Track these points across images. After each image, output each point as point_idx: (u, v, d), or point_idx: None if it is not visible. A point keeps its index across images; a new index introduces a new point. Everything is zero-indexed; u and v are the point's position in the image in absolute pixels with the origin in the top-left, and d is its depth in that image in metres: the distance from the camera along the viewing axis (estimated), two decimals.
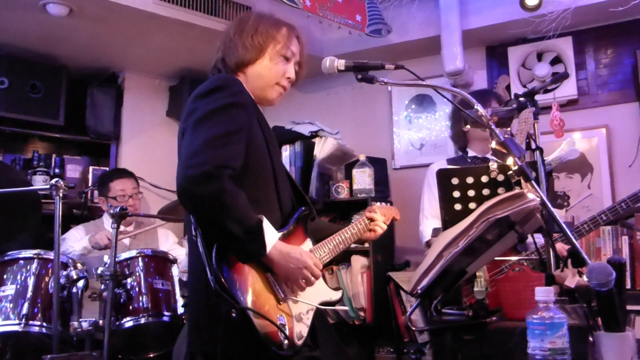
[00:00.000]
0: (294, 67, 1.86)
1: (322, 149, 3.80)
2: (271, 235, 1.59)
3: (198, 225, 1.59)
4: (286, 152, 3.87)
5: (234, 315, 1.49)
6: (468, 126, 2.75)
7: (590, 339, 1.26)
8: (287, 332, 1.57)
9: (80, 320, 2.41)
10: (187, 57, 4.00)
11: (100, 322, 2.39)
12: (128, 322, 2.54)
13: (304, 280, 1.65)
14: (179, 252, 3.23)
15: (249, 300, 1.54)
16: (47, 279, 2.54)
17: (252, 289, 1.57)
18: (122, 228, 3.28)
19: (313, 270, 1.66)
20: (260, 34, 1.79)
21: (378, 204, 2.21)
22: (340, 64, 1.71)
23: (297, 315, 1.65)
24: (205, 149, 1.52)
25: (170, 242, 3.46)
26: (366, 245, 3.59)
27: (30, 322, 2.42)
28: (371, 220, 2.07)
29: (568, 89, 3.61)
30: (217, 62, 1.85)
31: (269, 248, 1.57)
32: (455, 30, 3.60)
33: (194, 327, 1.70)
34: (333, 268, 3.69)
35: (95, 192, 4.00)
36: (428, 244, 2.86)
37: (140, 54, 4.01)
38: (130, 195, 3.36)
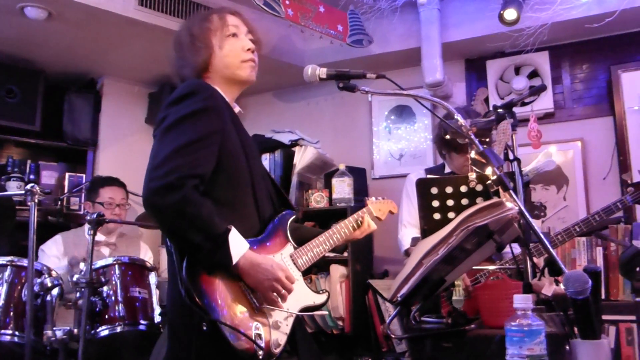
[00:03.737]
0: (246, 37, 1.85)
1: (302, 157, 3.80)
2: (239, 245, 1.57)
3: (166, 236, 1.59)
4: (266, 160, 3.86)
5: (205, 328, 1.48)
6: (448, 136, 2.78)
7: (567, 346, 1.28)
8: (261, 343, 1.54)
9: (54, 329, 2.35)
10: (167, 64, 3.92)
11: (75, 331, 2.35)
12: (104, 331, 2.49)
13: (274, 293, 1.62)
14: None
15: (220, 312, 1.52)
16: (20, 286, 2.48)
17: (224, 299, 1.55)
18: (104, 238, 3.25)
19: (284, 283, 1.63)
20: (197, 36, 1.80)
21: (373, 198, 2.16)
22: (322, 72, 1.71)
23: (274, 323, 1.62)
24: (170, 159, 1.52)
25: (147, 257, 3.41)
26: (345, 254, 3.59)
27: (2, 331, 2.37)
28: (360, 223, 2.04)
29: (545, 102, 3.68)
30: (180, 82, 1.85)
31: (235, 258, 1.55)
32: (435, 42, 3.65)
33: (172, 337, 1.69)
34: (312, 277, 3.69)
35: (72, 199, 3.94)
36: (407, 253, 2.87)
37: (120, 60, 3.98)
38: (118, 204, 3.31)
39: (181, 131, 1.58)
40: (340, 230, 1.97)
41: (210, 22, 1.81)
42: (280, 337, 1.62)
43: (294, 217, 1.85)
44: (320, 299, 1.79)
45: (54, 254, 3.15)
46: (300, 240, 1.84)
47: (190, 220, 1.50)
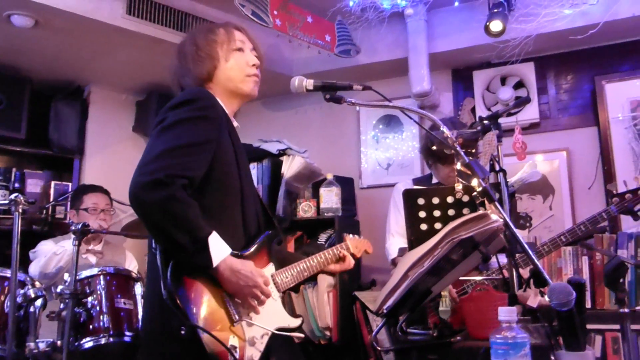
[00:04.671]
0: (251, 53, 1.88)
1: (290, 167, 3.80)
2: (220, 250, 1.57)
3: (149, 232, 1.59)
4: (254, 169, 3.85)
5: (183, 332, 1.48)
6: (434, 147, 2.79)
7: (552, 357, 1.28)
8: (236, 355, 1.54)
9: (37, 340, 2.32)
10: (155, 73, 3.96)
11: (59, 342, 2.31)
12: (88, 343, 2.45)
13: (254, 299, 1.63)
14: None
15: (200, 319, 1.52)
16: (2, 297, 2.45)
17: (205, 307, 1.55)
18: (90, 246, 3.23)
19: (263, 289, 1.64)
20: (203, 47, 1.82)
21: (351, 236, 2.16)
22: (309, 83, 1.72)
23: (250, 339, 1.62)
24: (162, 157, 1.53)
25: (132, 266, 3.39)
26: None
27: None
28: (340, 258, 2.04)
29: (530, 113, 3.71)
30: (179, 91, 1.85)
31: (216, 261, 1.55)
32: (423, 53, 3.68)
33: (146, 343, 1.68)
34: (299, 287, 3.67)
35: (57, 208, 3.91)
36: (394, 262, 2.88)
37: (108, 68, 3.96)
38: (103, 210, 3.30)
39: (177, 133, 1.59)
40: (320, 261, 1.96)
41: (217, 34, 1.84)
42: (254, 354, 1.62)
43: (277, 238, 1.86)
44: (294, 322, 1.79)
45: (49, 246, 3.13)
46: (281, 263, 1.85)
47: (174, 218, 1.50)
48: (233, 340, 1.56)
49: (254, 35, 1.94)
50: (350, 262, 2.05)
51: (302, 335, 1.72)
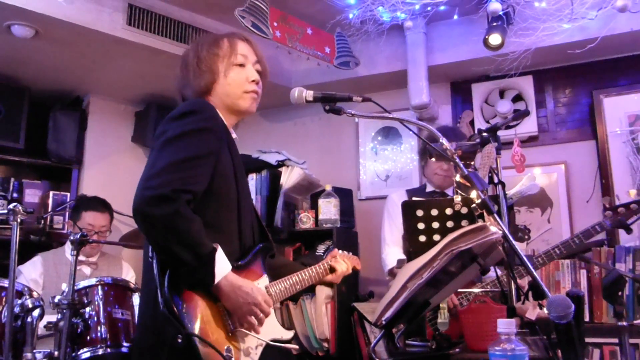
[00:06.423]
0: (252, 67, 1.86)
1: (289, 178, 3.80)
2: (223, 266, 1.57)
3: (152, 247, 1.58)
4: (252, 180, 3.85)
5: (179, 340, 1.47)
6: (433, 159, 2.81)
7: None
8: None
9: (34, 351, 2.30)
10: (154, 83, 3.98)
11: (56, 353, 2.30)
12: (85, 354, 2.44)
13: (252, 317, 1.62)
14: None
15: (197, 327, 1.51)
16: None
17: (201, 316, 1.55)
18: (85, 258, 3.21)
19: (263, 307, 1.63)
20: (204, 59, 1.80)
21: (340, 252, 2.17)
22: (309, 94, 1.72)
23: (245, 349, 1.62)
24: (167, 171, 1.52)
25: (129, 277, 3.37)
26: None
27: None
28: (332, 269, 2.05)
29: (529, 126, 3.73)
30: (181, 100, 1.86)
31: (218, 278, 1.55)
32: (422, 65, 3.70)
33: (138, 352, 1.67)
34: (298, 297, 3.66)
35: (55, 218, 3.89)
36: (391, 272, 2.88)
37: (107, 79, 3.97)
38: (97, 232, 3.27)
39: (180, 146, 1.58)
40: (312, 274, 1.98)
41: (220, 47, 1.82)
42: None
43: (271, 251, 1.86)
44: (287, 334, 1.80)
45: (31, 277, 3.08)
46: (274, 275, 1.85)
47: (179, 234, 1.50)
48: (228, 350, 1.56)
49: (260, 47, 1.92)
50: (342, 268, 2.06)
51: (296, 346, 1.71)
